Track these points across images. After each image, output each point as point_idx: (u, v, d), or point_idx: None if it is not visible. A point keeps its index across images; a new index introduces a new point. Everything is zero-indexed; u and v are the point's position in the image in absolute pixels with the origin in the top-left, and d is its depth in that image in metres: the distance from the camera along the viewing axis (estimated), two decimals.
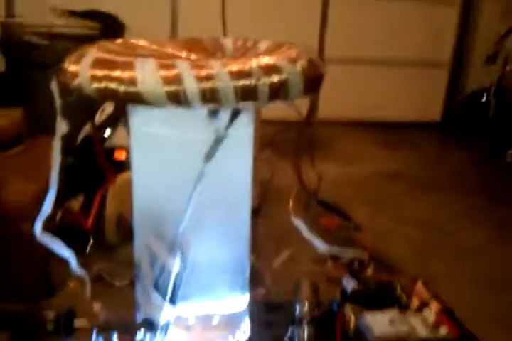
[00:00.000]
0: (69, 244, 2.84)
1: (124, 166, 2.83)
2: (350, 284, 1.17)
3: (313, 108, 1.04)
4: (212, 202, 0.99)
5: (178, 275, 1.00)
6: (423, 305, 1.15)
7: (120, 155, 2.81)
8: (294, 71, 0.89)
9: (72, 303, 1.14)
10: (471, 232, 1.93)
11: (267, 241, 1.39)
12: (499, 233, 1.94)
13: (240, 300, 1.11)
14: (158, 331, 0.99)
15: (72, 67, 0.88)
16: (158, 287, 1.02)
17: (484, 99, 2.99)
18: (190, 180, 0.94)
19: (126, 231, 3.00)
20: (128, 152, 2.88)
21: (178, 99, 0.83)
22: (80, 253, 2.78)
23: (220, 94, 0.83)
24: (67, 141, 2.98)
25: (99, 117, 2.71)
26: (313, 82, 0.93)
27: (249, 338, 1.11)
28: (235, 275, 1.09)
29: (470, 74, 3.50)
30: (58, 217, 2.67)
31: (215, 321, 1.08)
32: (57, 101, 0.98)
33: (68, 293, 2.51)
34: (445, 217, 2.05)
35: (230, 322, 1.10)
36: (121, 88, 0.83)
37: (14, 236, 2.33)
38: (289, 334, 1.10)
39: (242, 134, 1.00)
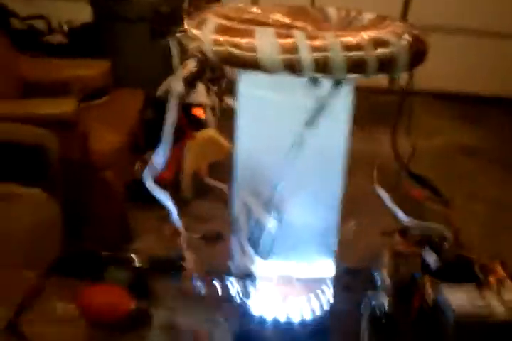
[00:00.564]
0: (147, 196, 2.93)
1: (201, 123, 2.91)
2: (431, 257, 1.20)
3: (412, 79, 1.05)
4: (309, 167, 1.03)
5: (271, 232, 1.05)
6: (499, 284, 1.17)
7: (198, 112, 2.88)
8: (402, 45, 0.92)
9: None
10: None
11: None
12: None
13: (326, 265, 1.16)
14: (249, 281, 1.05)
15: (194, 31, 0.92)
16: (253, 241, 1.09)
17: None
18: (290, 144, 0.98)
19: (200, 187, 3.10)
20: (205, 109, 2.95)
21: (292, 67, 0.87)
22: (156, 204, 2.88)
23: (332, 65, 0.86)
24: (148, 94, 3.05)
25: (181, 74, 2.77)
26: (418, 56, 0.95)
27: (330, 302, 1.16)
28: (323, 239, 1.14)
29: None
30: (137, 168, 2.78)
31: (301, 281, 1.13)
32: (176, 61, 1.02)
33: (143, 246, 2.63)
34: None
35: (314, 284, 1.16)
36: (241, 53, 0.87)
37: (97, 183, 2.46)
38: (368, 300, 1.14)
39: (342, 103, 1.03)
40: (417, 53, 0.94)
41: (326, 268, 1.17)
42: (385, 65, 0.89)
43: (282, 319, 1.13)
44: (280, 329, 1.12)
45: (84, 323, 0.99)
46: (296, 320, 1.13)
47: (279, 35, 0.87)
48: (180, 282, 1.06)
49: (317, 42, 0.86)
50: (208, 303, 1.02)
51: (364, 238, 1.50)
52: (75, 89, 2.49)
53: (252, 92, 1.03)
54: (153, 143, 3.04)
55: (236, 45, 0.88)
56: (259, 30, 0.88)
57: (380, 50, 0.89)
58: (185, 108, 2.79)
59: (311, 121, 0.96)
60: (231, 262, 1.18)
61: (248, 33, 0.88)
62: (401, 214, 1.30)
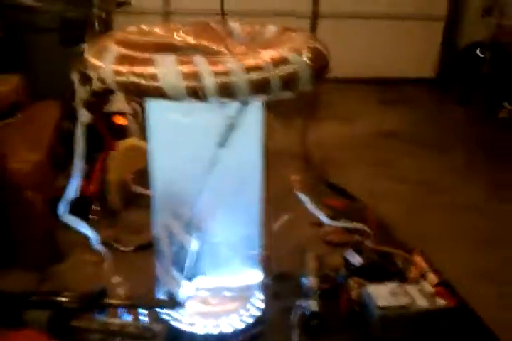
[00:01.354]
0: (72, 210, 2.88)
1: (123, 132, 2.87)
2: (354, 258, 1.24)
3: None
4: (226, 184, 1.05)
5: (194, 252, 1.06)
6: (421, 276, 1.23)
7: (119, 121, 2.84)
8: (302, 62, 0.94)
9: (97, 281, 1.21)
10: (466, 190, 1.96)
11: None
12: (493, 191, 1.97)
13: (252, 274, 1.18)
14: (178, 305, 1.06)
15: (94, 61, 0.92)
16: (177, 263, 1.09)
17: (479, 53, 2.99)
18: (205, 165, 0.99)
19: (128, 197, 3.06)
20: (126, 117, 2.91)
21: (196, 93, 0.87)
22: (83, 219, 2.83)
23: (236, 89, 0.88)
24: (66, 105, 2.97)
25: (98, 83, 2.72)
26: (320, 70, 0.97)
27: (260, 310, 1.19)
28: (247, 250, 1.16)
29: (465, 28, 3.49)
30: (60, 183, 2.72)
31: (229, 294, 1.15)
32: (78, 90, 1.02)
33: (77, 260, 2.58)
34: (440, 175, 2.07)
35: (242, 295, 1.18)
36: (144, 83, 0.87)
37: (19, 204, 2.39)
38: (297, 306, 1.18)
39: (253, 119, 1.05)
40: (319, 68, 0.96)
41: (253, 276, 1.19)
42: (289, 83, 0.91)
43: (215, 332, 1.15)
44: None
45: None
46: (228, 331, 1.15)
47: (181, 62, 0.88)
48: (106, 318, 1.05)
49: (219, 67, 0.87)
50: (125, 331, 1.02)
51: (295, 230, 1.52)
52: None
53: (161, 116, 1.03)
54: (71, 158, 2.96)
55: (138, 75, 0.88)
56: (160, 58, 0.88)
57: (282, 69, 0.91)
58: (106, 117, 2.75)
59: (222, 141, 0.98)
60: (157, 286, 1.19)
61: (149, 62, 0.88)
62: (322, 217, 1.35)
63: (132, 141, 2.81)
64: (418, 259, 1.27)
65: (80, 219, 1.18)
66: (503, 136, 2.60)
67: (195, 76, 0.87)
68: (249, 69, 0.89)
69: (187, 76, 0.87)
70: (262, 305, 1.20)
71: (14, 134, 2.47)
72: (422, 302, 1.15)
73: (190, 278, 1.10)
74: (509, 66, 2.93)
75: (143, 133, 2.94)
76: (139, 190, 2.86)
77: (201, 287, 1.12)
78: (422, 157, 2.25)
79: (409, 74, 3.42)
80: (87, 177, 2.70)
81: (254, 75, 0.89)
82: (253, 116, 1.04)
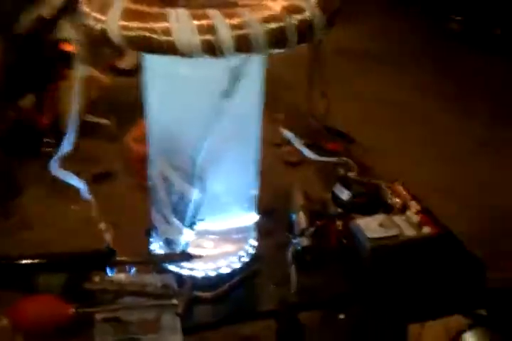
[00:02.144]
0: (25, 143, 2.76)
1: (71, 60, 2.69)
2: (342, 192, 1.28)
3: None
4: (226, 135, 1.02)
5: (194, 201, 1.06)
6: (404, 206, 1.29)
7: (67, 48, 2.65)
8: (314, 9, 0.90)
9: None
10: (420, 103, 1.96)
11: None
12: (445, 103, 2.00)
13: (247, 216, 1.20)
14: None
15: (97, 15, 0.84)
16: (175, 211, 1.09)
17: None
18: (206, 116, 0.97)
19: (82, 126, 2.93)
20: (73, 45, 2.71)
21: (212, 48, 0.83)
22: (38, 152, 2.72)
23: (253, 42, 0.84)
24: (8, 35, 2.73)
25: (46, 9, 2.49)
26: (332, 17, 0.94)
27: (256, 248, 1.22)
28: (245, 196, 1.17)
29: None
30: (10, 116, 2.55)
31: (225, 237, 1.17)
32: (76, 45, 0.94)
33: (35, 195, 2.49)
34: (394, 90, 2.07)
35: (238, 236, 1.20)
36: (155, 39, 0.82)
37: None
38: (290, 242, 1.21)
39: (255, 70, 1.02)
40: (331, 14, 0.93)
41: (248, 218, 1.21)
42: (304, 32, 0.88)
43: (213, 274, 1.17)
44: (213, 284, 1.16)
45: (22, 335, 0.96)
46: (226, 271, 1.18)
47: (195, 16, 0.82)
48: (121, 277, 1.05)
49: (235, 20, 0.83)
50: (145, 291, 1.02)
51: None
52: None
53: (160, 69, 0.98)
54: (24, 88, 2.79)
55: (149, 30, 0.82)
56: (172, 12, 0.82)
57: (296, 18, 0.87)
58: (54, 44, 2.55)
59: (227, 93, 0.95)
60: (155, 233, 1.19)
61: (161, 16, 0.82)
62: (306, 151, 1.36)
63: (85, 70, 2.65)
64: (400, 189, 1.32)
65: (70, 173, 1.13)
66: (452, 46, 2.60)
67: (210, 30, 0.82)
68: (265, 20, 0.84)
69: (202, 30, 0.82)
70: (257, 244, 1.23)
71: None
72: (410, 232, 1.21)
73: (190, 226, 1.10)
74: None
75: (91, 61, 2.78)
76: (94, 119, 2.75)
77: (199, 232, 1.13)
78: (377, 73, 2.22)
79: None
80: (39, 109, 2.55)
81: (271, 26, 0.85)
82: (256, 66, 1.01)
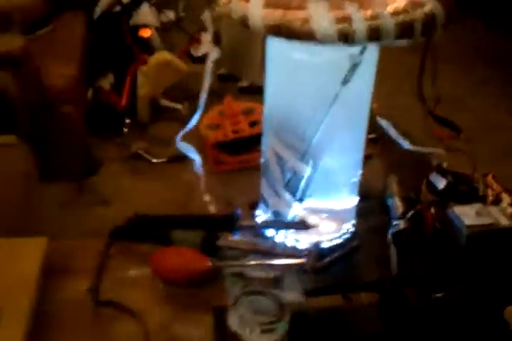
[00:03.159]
0: (103, 122, 2.94)
1: (150, 44, 2.84)
2: (438, 181, 1.34)
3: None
4: (339, 119, 1.11)
5: (307, 178, 1.15)
6: (497, 198, 1.35)
7: (145, 33, 2.80)
8: (436, 4, 0.98)
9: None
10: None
11: None
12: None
13: (350, 198, 1.29)
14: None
15: (239, 4, 0.94)
16: (287, 186, 1.18)
17: None
18: (321, 100, 1.07)
19: (157, 111, 3.09)
20: (152, 30, 2.86)
21: (346, 37, 0.91)
22: (115, 132, 2.90)
23: (383, 32, 0.92)
24: (89, 17, 2.90)
25: None
26: (451, 10, 1.01)
27: (355, 228, 1.30)
28: (350, 178, 1.25)
29: None
30: (90, 95, 2.72)
31: (330, 214, 1.26)
32: (211, 31, 1.04)
33: (111, 173, 2.65)
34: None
35: (340, 217, 1.29)
36: (296, 27, 0.91)
37: (58, 119, 2.42)
38: (389, 224, 1.29)
39: (370, 58, 1.09)
40: (450, 10, 1.00)
41: (350, 199, 1.30)
42: (429, 25, 0.96)
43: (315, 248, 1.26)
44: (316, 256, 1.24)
45: (161, 283, 1.07)
46: (328, 246, 1.27)
47: (332, 7, 0.91)
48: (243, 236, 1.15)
49: (369, 12, 0.92)
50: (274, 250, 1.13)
51: None
52: (16, 21, 2.35)
53: (283, 54, 1.08)
54: (100, 69, 2.97)
55: (290, 19, 0.91)
56: (313, 3, 0.91)
57: (421, 12, 0.95)
58: (132, 30, 2.71)
59: (346, 79, 1.04)
60: (263, 205, 1.28)
61: (301, 6, 0.91)
62: (402, 141, 1.42)
63: (163, 55, 2.80)
64: (492, 181, 1.37)
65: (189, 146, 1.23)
66: None
67: (346, 20, 0.91)
68: (395, 13, 0.93)
69: (339, 20, 0.91)
70: (355, 224, 1.31)
71: (46, 48, 2.45)
72: (505, 222, 1.27)
73: (300, 200, 1.19)
74: None
75: (167, 47, 2.93)
76: (167, 103, 2.90)
77: (305, 208, 1.22)
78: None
79: None
80: (117, 90, 2.72)
81: (400, 18, 0.93)
82: (371, 54, 1.09)
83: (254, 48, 2.81)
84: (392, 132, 1.38)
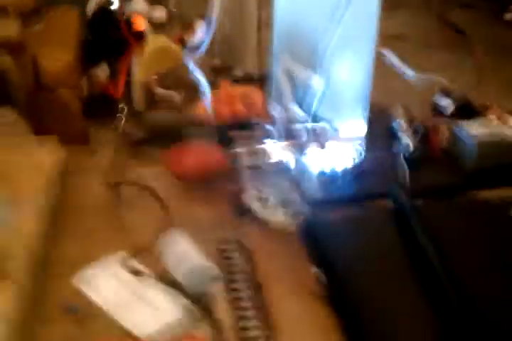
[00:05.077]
0: (101, 111, 2.91)
1: (142, 33, 2.87)
2: (443, 101, 1.36)
3: None
4: (347, 30, 1.13)
5: (318, 90, 1.16)
6: (499, 118, 1.36)
7: (139, 22, 2.83)
8: None
9: None
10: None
11: None
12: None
13: (359, 126, 1.29)
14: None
15: None
16: (300, 105, 1.19)
17: None
18: (329, 10, 1.10)
19: (151, 98, 3.10)
20: (144, 19, 2.89)
21: None
22: (113, 119, 2.87)
23: None
24: (82, 12, 2.94)
25: None
26: None
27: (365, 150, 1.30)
28: (359, 97, 1.26)
29: None
30: (85, 86, 2.73)
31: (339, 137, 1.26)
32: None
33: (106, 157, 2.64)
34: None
35: (352, 142, 1.28)
36: None
37: (55, 103, 2.42)
38: (398, 143, 1.30)
39: None
40: None
41: (359, 127, 1.30)
42: None
43: (327, 170, 1.26)
44: (328, 177, 1.23)
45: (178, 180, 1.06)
46: (339, 168, 1.26)
47: None
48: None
49: None
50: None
51: None
52: (12, 12, 2.38)
53: None
54: (97, 59, 2.98)
55: None
56: None
57: None
58: (126, 21, 2.74)
59: None
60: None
61: None
62: (407, 70, 1.44)
63: (159, 40, 2.82)
64: (493, 106, 1.39)
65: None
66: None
67: None
68: None
69: None
70: (365, 150, 1.31)
71: (42, 38, 2.47)
72: (509, 132, 1.28)
73: (315, 118, 1.19)
74: None
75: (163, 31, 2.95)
76: (162, 91, 2.90)
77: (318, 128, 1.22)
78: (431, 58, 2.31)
79: None
80: (112, 78, 2.73)
81: None
82: None
83: (248, 38, 2.84)
84: (397, 61, 1.41)
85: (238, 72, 3.03)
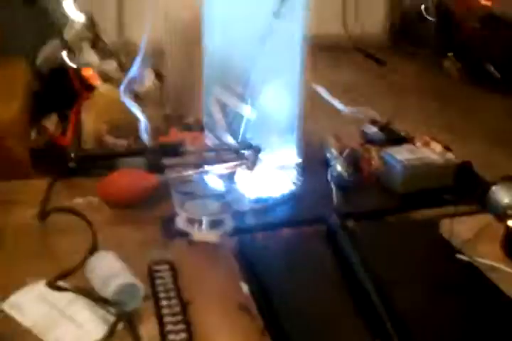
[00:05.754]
0: (50, 162, 2.94)
1: (92, 84, 2.94)
2: (369, 129, 1.43)
3: None
4: (275, 55, 1.19)
5: (248, 119, 1.21)
6: (427, 145, 1.43)
7: (88, 73, 2.91)
8: None
9: None
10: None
11: None
12: None
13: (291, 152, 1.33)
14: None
15: None
16: (230, 131, 1.24)
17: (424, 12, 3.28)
18: (257, 36, 1.14)
19: (103, 145, 3.14)
20: (94, 71, 2.97)
21: None
22: (63, 169, 2.91)
23: None
24: (31, 63, 3.01)
25: (67, 36, 2.78)
26: None
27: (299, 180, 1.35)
28: (290, 125, 1.30)
29: None
30: (34, 136, 2.76)
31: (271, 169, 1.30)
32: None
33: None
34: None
35: (284, 170, 1.32)
36: None
37: (1, 152, 2.43)
38: (331, 170, 1.35)
39: None
40: None
41: (291, 155, 1.34)
42: None
43: (263, 196, 1.29)
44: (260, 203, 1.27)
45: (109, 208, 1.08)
46: (274, 195, 1.30)
47: None
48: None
49: None
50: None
51: None
52: None
53: None
54: (44, 110, 3.03)
55: None
56: None
57: None
58: (75, 70, 2.81)
59: (278, 12, 1.13)
60: None
61: None
62: (337, 104, 1.52)
63: (110, 92, 2.88)
64: (423, 136, 1.46)
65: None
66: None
67: None
68: None
69: None
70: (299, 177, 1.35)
71: None
72: (437, 158, 1.35)
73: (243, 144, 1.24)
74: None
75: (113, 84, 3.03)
76: (112, 140, 2.95)
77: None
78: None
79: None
80: (62, 129, 2.77)
81: None
82: None
83: (197, 87, 2.93)
84: (328, 97, 1.48)
85: (189, 120, 3.12)
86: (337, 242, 1.11)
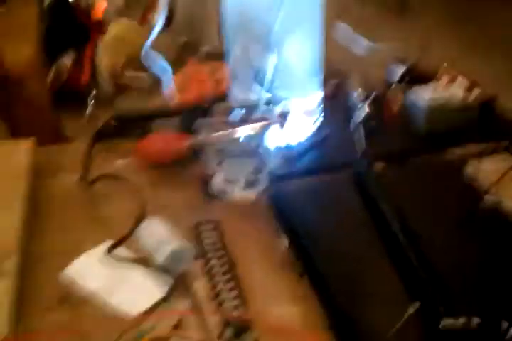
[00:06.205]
0: (70, 101, 2.94)
1: (104, 20, 2.88)
2: (398, 69, 1.43)
3: None
4: (296, 7, 1.18)
5: (274, 68, 1.22)
6: (453, 81, 1.43)
7: (98, 10, 2.84)
8: None
9: None
10: None
11: None
12: None
13: (315, 95, 1.35)
14: None
15: None
16: (256, 80, 1.25)
17: None
18: None
19: (119, 83, 3.12)
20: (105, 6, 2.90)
21: None
22: (82, 108, 2.90)
23: None
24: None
25: None
26: None
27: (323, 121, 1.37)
28: (313, 71, 1.31)
29: None
30: (53, 73, 2.76)
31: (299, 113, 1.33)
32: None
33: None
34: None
35: (309, 113, 1.35)
36: None
37: (23, 95, 2.44)
38: (355, 112, 1.37)
39: None
40: None
41: (316, 97, 1.36)
42: None
43: (289, 145, 1.32)
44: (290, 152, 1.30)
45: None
46: (300, 143, 1.33)
47: None
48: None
49: None
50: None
51: None
52: None
53: None
54: (60, 48, 3.00)
55: None
56: None
57: None
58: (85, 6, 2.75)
59: None
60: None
61: None
62: (362, 41, 1.50)
63: (122, 24, 2.83)
64: (449, 70, 1.45)
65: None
66: None
67: None
68: None
69: None
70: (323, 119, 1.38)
71: (2, 28, 2.47)
72: (462, 96, 1.34)
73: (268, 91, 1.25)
74: None
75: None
76: (131, 74, 2.93)
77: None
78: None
79: None
80: (79, 66, 2.75)
81: None
82: None
83: (210, 15, 2.86)
84: (351, 35, 1.47)
85: (206, 48, 3.06)
86: (365, 187, 1.15)
